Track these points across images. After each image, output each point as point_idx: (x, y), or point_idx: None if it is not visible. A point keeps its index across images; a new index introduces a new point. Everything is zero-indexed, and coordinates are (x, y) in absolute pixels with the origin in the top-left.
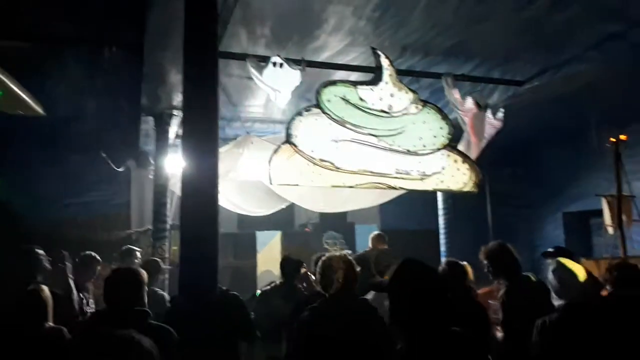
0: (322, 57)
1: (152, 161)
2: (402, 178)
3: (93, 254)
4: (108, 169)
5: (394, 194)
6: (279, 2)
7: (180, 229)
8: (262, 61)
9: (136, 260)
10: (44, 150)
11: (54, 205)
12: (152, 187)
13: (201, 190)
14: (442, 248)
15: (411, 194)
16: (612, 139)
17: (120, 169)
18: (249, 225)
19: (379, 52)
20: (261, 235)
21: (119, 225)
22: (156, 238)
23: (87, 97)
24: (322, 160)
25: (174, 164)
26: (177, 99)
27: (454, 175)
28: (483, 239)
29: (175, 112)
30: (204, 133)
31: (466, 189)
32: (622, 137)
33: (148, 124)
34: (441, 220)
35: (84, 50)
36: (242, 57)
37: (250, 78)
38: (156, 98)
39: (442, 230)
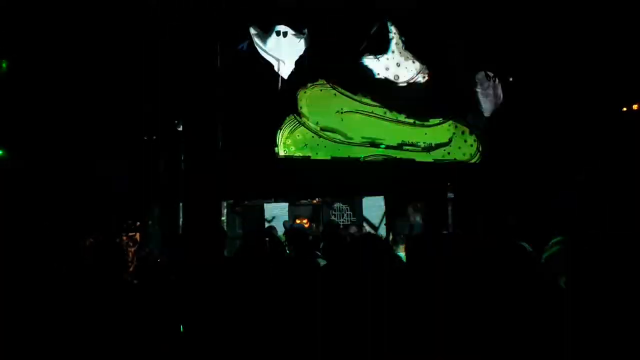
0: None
1: None
2: (409, 150)
3: None
4: None
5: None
6: None
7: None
8: (266, 30)
9: None
10: None
11: None
12: None
13: None
14: None
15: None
16: None
17: None
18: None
19: (387, 21)
20: (269, 208)
21: None
22: None
23: None
24: (325, 131)
25: None
26: None
27: (461, 147)
28: None
29: None
30: None
31: (473, 160)
32: None
33: None
34: None
35: None
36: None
37: None
38: None
39: None
